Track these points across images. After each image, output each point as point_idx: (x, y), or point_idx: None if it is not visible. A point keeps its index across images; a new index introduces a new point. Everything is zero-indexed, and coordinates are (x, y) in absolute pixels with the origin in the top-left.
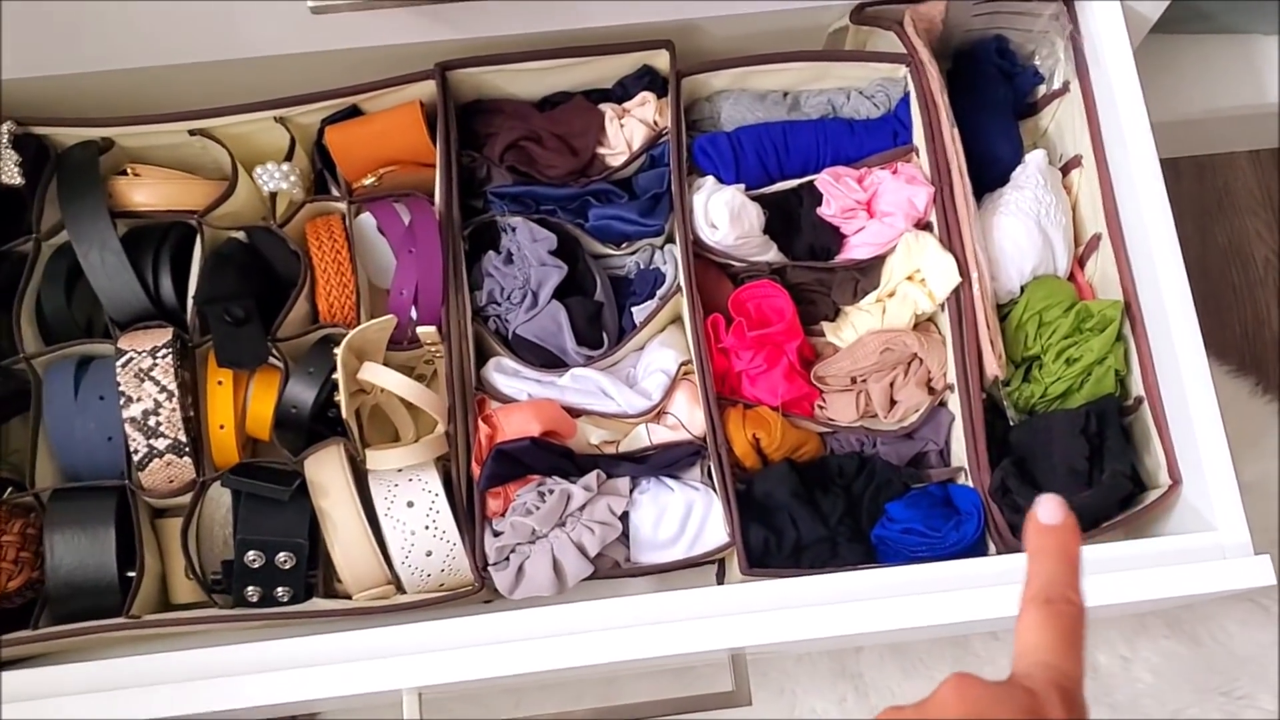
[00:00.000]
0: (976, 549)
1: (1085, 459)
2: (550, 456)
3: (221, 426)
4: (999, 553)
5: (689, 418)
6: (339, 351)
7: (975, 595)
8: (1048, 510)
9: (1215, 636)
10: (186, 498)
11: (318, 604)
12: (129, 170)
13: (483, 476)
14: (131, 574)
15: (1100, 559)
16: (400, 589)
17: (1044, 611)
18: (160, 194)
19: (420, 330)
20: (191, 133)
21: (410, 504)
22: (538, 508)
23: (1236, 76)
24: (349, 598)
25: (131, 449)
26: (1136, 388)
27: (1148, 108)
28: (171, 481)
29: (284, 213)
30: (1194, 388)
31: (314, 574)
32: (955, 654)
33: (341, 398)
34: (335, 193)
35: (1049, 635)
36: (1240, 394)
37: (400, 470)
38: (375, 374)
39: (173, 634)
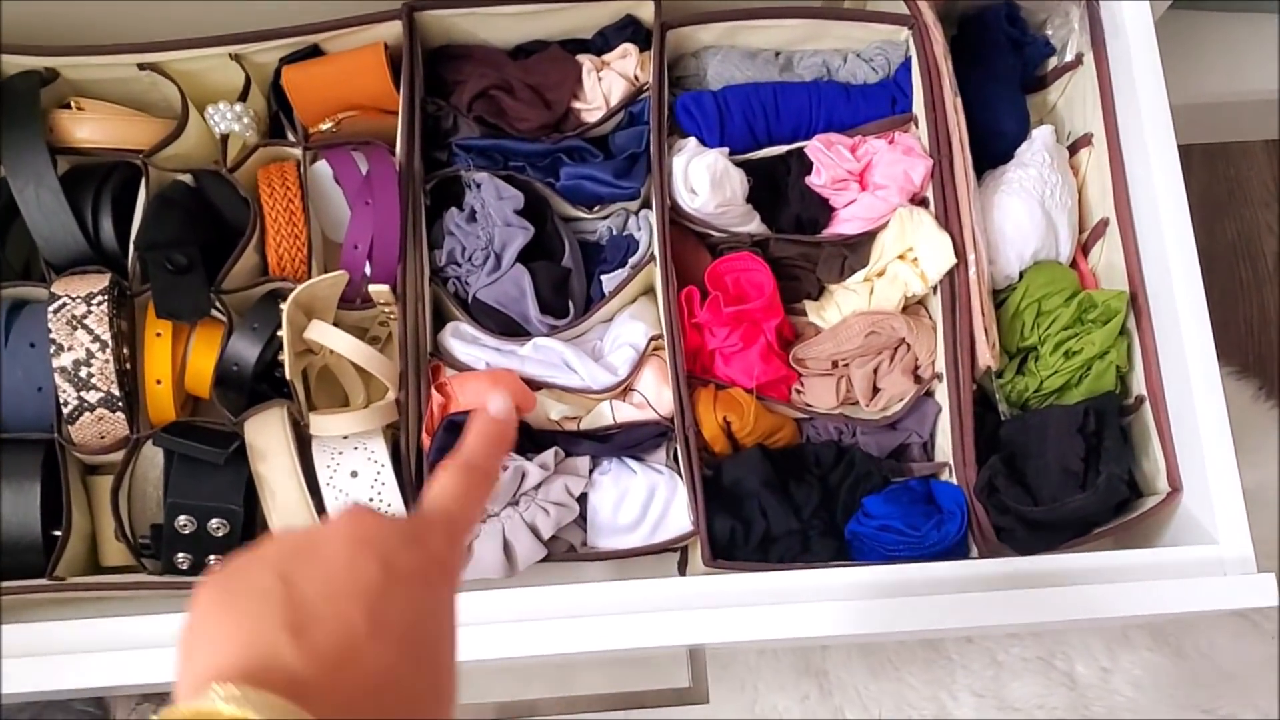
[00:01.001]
0: (957, 550)
1: (1081, 460)
2: None
3: (159, 381)
4: (981, 555)
5: (656, 396)
6: (285, 307)
7: (953, 600)
8: (497, 405)
9: (1201, 650)
10: (119, 455)
11: None
12: (73, 104)
13: (432, 448)
14: (57, 533)
15: (1090, 568)
16: None
17: (463, 472)
18: (105, 130)
19: (373, 289)
20: (141, 67)
21: (354, 474)
22: None
23: (1259, 60)
24: None
25: (61, 401)
26: (1138, 386)
27: (1167, 87)
28: (103, 437)
29: (235, 156)
30: (1201, 390)
31: (250, 542)
32: (927, 655)
33: (286, 357)
34: (291, 138)
35: (458, 489)
36: (1242, 397)
37: (346, 438)
38: (323, 334)
39: (99, 599)
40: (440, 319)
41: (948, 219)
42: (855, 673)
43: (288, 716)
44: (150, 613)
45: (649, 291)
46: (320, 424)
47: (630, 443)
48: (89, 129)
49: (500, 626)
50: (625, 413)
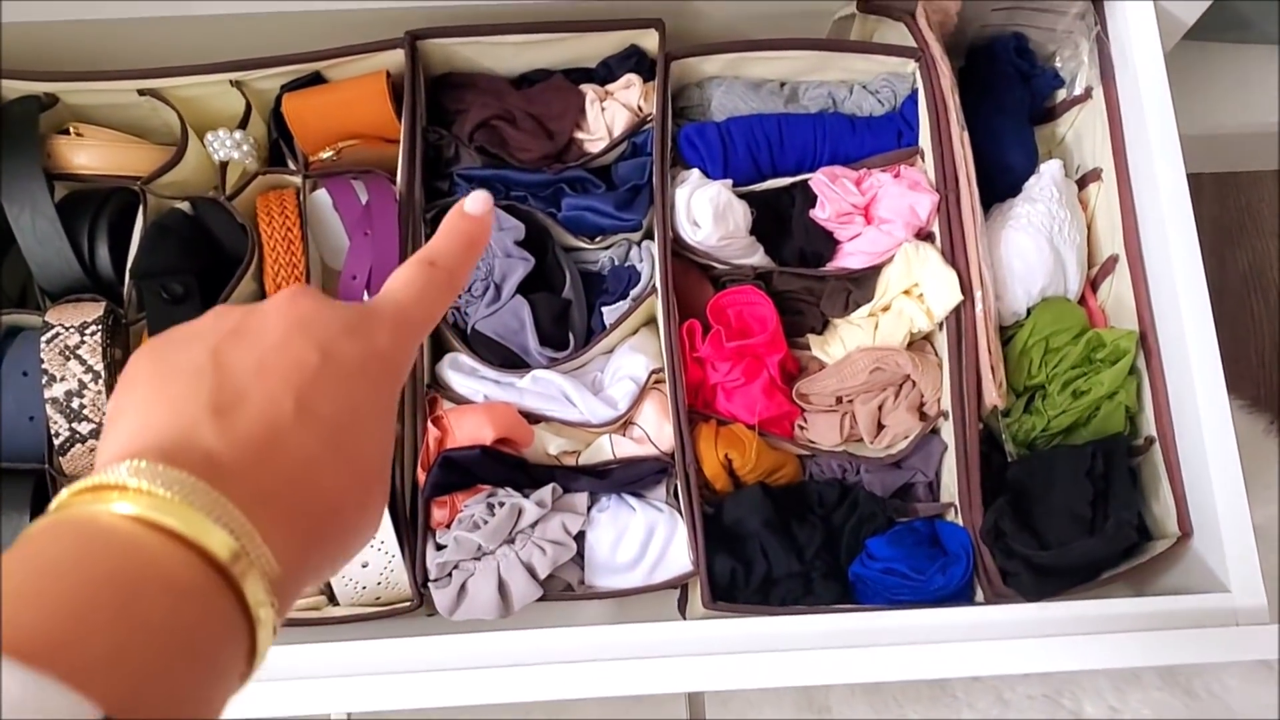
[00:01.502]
0: (963, 594)
1: (1089, 503)
2: (501, 468)
3: None
4: (987, 599)
5: (657, 431)
6: None
7: (959, 649)
8: (475, 204)
9: (1213, 691)
10: None
11: None
12: (71, 130)
13: (427, 484)
14: None
15: (1098, 616)
16: (332, 600)
17: (424, 268)
18: (103, 157)
19: None
20: (141, 93)
21: None
22: (485, 521)
23: (1271, 90)
24: None
25: (53, 432)
26: (1148, 427)
27: (1178, 120)
28: (95, 468)
29: (234, 184)
30: (1212, 432)
31: None
32: (931, 693)
33: None
34: (291, 165)
35: (416, 285)
36: (1253, 431)
37: None
38: None
39: None
40: (439, 350)
41: (954, 254)
42: (858, 709)
43: (196, 494)
44: None
45: (650, 323)
46: None
47: (629, 479)
48: (87, 155)
49: (495, 671)
50: (625, 447)
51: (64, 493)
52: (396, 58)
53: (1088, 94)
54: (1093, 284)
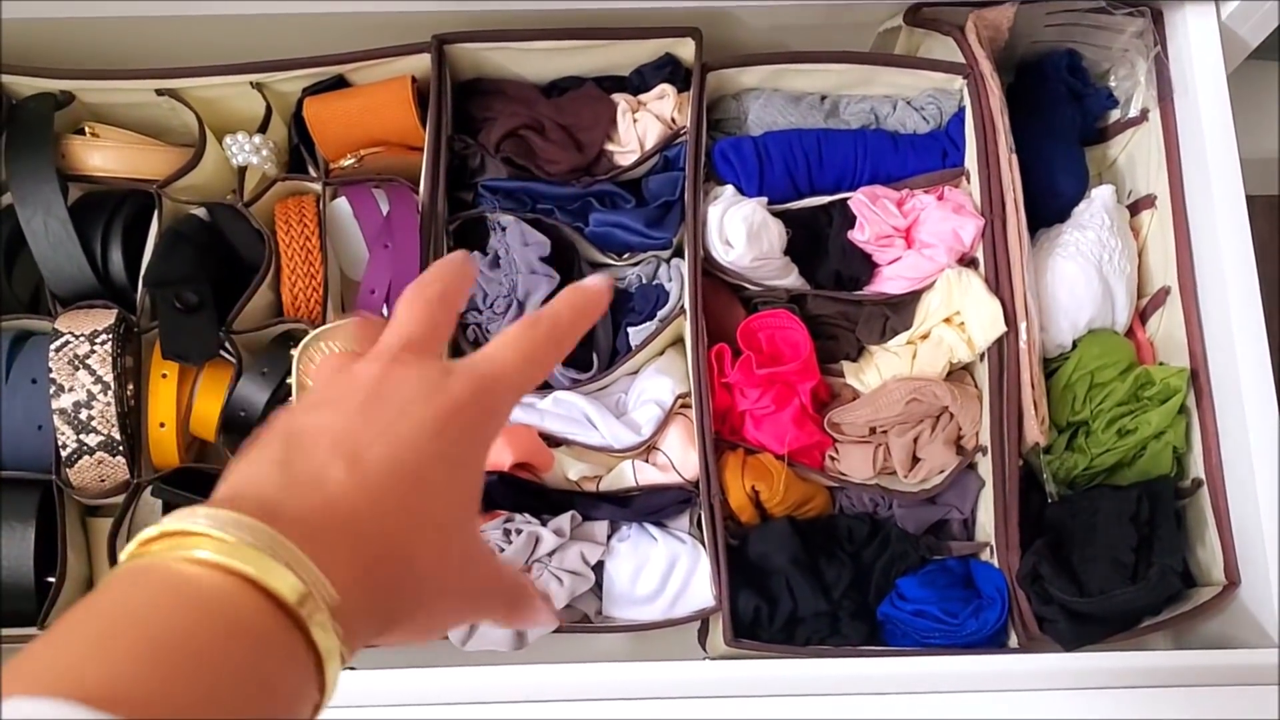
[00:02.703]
0: (995, 639)
1: (1132, 549)
2: (519, 494)
3: (162, 425)
4: (1021, 645)
5: (681, 459)
6: (296, 353)
7: (991, 699)
8: (594, 280)
9: None
10: (121, 497)
11: None
12: (87, 130)
13: None
14: (52, 579)
15: (1139, 669)
16: None
17: (528, 324)
18: (119, 159)
19: None
20: (160, 92)
21: None
22: (501, 550)
23: None
24: None
25: (60, 443)
26: (1195, 468)
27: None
28: (103, 481)
29: (253, 189)
30: (1265, 477)
31: None
32: None
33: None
34: (312, 172)
35: (514, 339)
36: None
37: None
38: None
39: None
40: None
41: (998, 283)
42: None
43: (259, 537)
44: None
45: (678, 344)
46: None
47: (652, 507)
48: (102, 157)
49: (508, 707)
50: (648, 474)
51: (135, 541)
52: (422, 62)
53: (1144, 116)
54: (1142, 316)
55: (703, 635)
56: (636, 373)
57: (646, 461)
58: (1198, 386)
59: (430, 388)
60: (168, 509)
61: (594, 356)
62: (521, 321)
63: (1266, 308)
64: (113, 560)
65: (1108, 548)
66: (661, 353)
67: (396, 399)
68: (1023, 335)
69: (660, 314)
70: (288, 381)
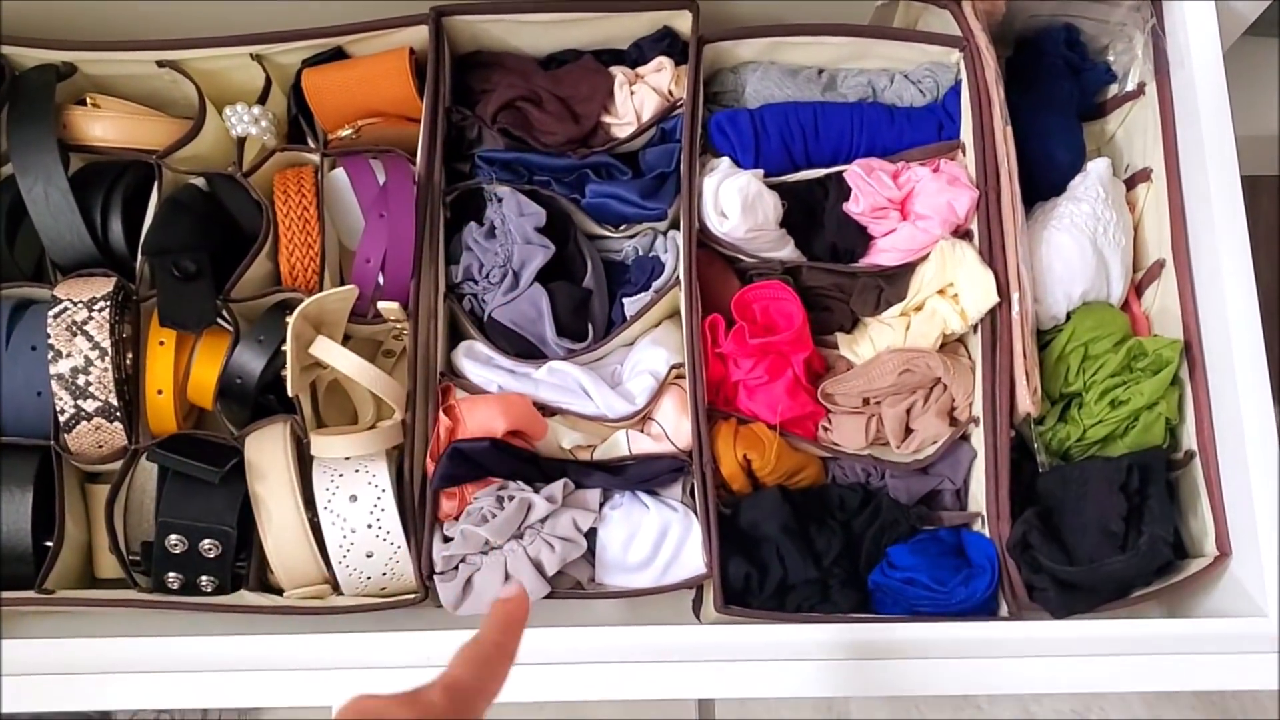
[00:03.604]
0: (986, 607)
1: (1122, 519)
2: (512, 461)
3: (159, 392)
4: (1011, 614)
5: (675, 428)
6: (291, 320)
7: (979, 665)
8: (509, 589)
9: (1247, 709)
10: (119, 464)
11: (245, 597)
12: (89, 100)
13: (436, 475)
14: (50, 544)
15: (1128, 637)
16: (337, 589)
17: (471, 645)
18: (119, 129)
19: (381, 305)
20: (160, 64)
21: (354, 498)
22: (493, 515)
23: None
24: (282, 592)
25: (58, 408)
26: (1188, 440)
27: (1235, 120)
28: (100, 447)
29: (253, 160)
30: (1256, 448)
31: (243, 564)
32: (955, 702)
33: (289, 373)
34: (310, 143)
35: (465, 657)
36: None
37: (348, 459)
38: (327, 351)
39: (90, 613)
40: (456, 337)
41: (992, 254)
42: (878, 715)
43: None
44: (146, 632)
45: (673, 316)
46: (321, 445)
47: (645, 476)
48: (103, 127)
49: None
50: (642, 444)
51: None
52: (421, 34)
53: (1140, 90)
54: (1137, 289)
55: (697, 604)
56: (632, 344)
57: (641, 431)
58: (1191, 359)
59: (406, 703)
60: (163, 475)
61: (590, 327)
62: (465, 643)
63: (1271, 288)
64: (110, 527)
65: (1098, 517)
66: (657, 324)
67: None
68: (1015, 306)
69: (655, 285)
70: (284, 348)
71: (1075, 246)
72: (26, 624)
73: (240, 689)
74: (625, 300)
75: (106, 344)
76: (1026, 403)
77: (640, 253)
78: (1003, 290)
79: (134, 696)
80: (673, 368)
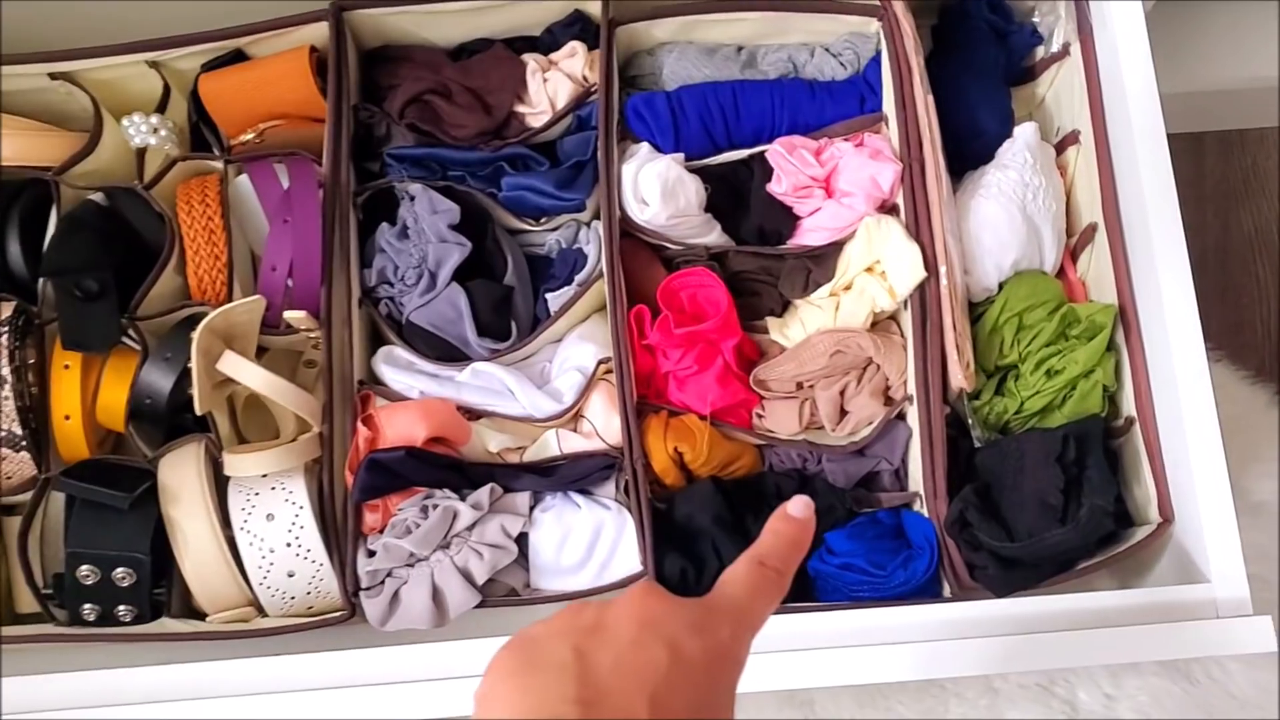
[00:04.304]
0: (928, 589)
1: (1060, 491)
2: (433, 469)
3: (67, 417)
4: (954, 595)
5: (605, 425)
6: (195, 335)
7: (917, 650)
8: (797, 507)
9: (1212, 675)
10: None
11: (166, 625)
12: None
13: (355, 489)
14: None
15: (1071, 610)
16: (262, 611)
17: (755, 567)
18: (13, 147)
19: (288, 315)
20: (53, 76)
21: (270, 517)
22: (418, 525)
23: (1270, 46)
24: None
25: None
26: (1128, 406)
27: (1158, 76)
28: (9, 478)
29: (156, 170)
30: (1193, 411)
31: (160, 591)
32: (918, 682)
33: (196, 389)
34: (216, 150)
35: (750, 584)
36: (1257, 403)
37: (264, 477)
38: (234, 367)
39: (14, 649)
40: (380, 343)
41: (918, 228)
42: (842, 703)
43: None
44: (68, 666)
45: (602, 308)
46: (234, 464)
47: (576, 475)
48: None
49: (431, 685)
50: (573, 443)
51: None
52: (324, 31)
53: (1065, 51)
54: (1072, 255)
55: None
56: (561, 340)
57: (572, 430)
58: (1126, 323)
59: (697, 627)
60: (70, 504)
61: (513, 325)
62: (748, 559)
63: (1214, 239)
64: (23, 559)
65: (1035, 491)
66: (585, 318)
67: (669, 635)
68: (943, 280)
69: (578, 279)
70: (188, 366)
71: (1004, 215)
72: None
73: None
74: (548, 296)
75: (6, 371)
76: (959, 378)
77: (563, 245)
78: (930, 264)
79: None
80: (601, 363)
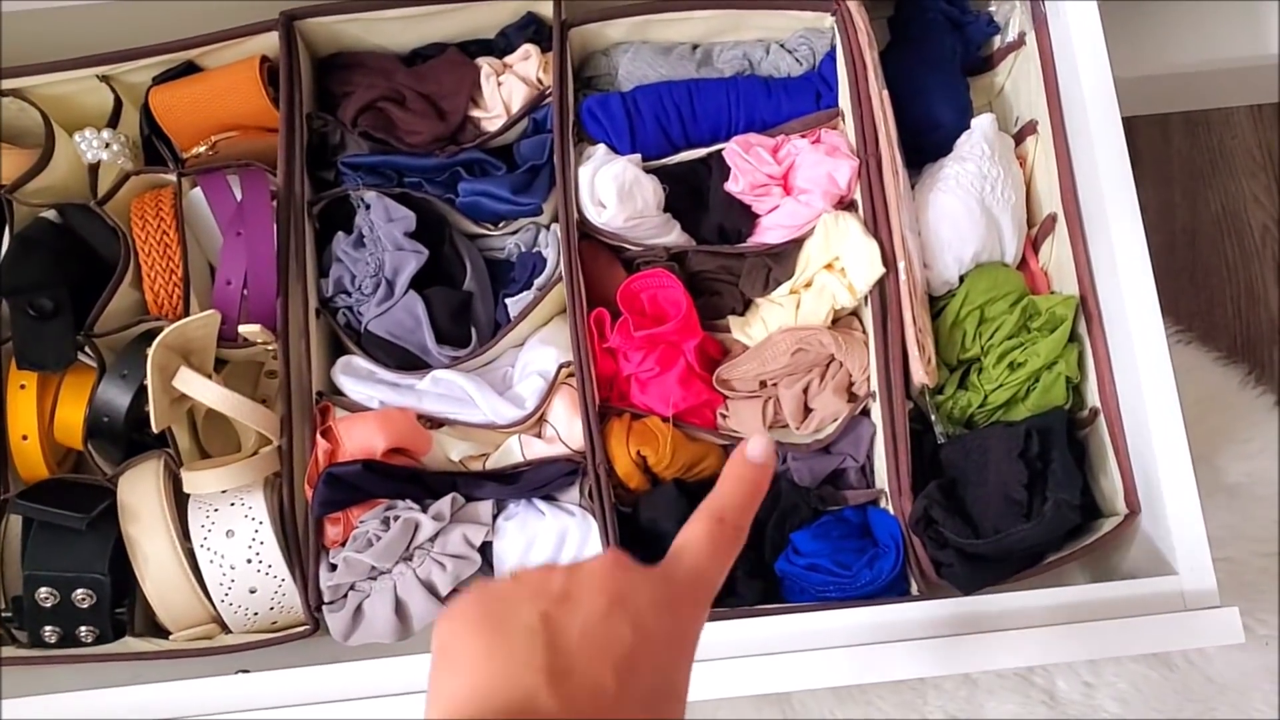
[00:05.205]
0: (895, 588)
1: (1024, 486)
2: (392, 481)
3: (25, 437)
4: (921, 593)
5: (568, 429)
6: (151, 351)
7: (884, 651)
8: (756, 448)
9: (1191, 660)
10: None
11: (130, 644)
12: None
13: (314, 503)
14: None
15: (1039, 607)
16: (226, 628)
17: (713, 524)
18: None
19: (243, 329)
20: (4, 93)
21: (230, 533)
22: (379, 538)
23: (1235, 26)
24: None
25: None
26: (1092, 397)
27: (1113, 63)
28: None
29: (108, 186)
30: (1155, 401)
31: (122, 611)
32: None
33: (152, 406)
34: (170, 164)
35: (707, 545)
36: (1230, 383)
37: (224, 493)
38: (189, 383)
39: None
40: (340, 352)
41: (876, 223)
42: (821, 700)
43: None
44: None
45: (563, 312)
46: (192, 481)
47: (539, 482)
48: None
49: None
50: (536, 448)
51: None
52: (275, 41)
53: (1021, 40)
54: (1034, 245)
55: None
56: (523, 345)
57: (535, 435)
58: (1087, 313)
59: (660, 604)
60: (27, 525)
61: (473, 332)
62: (705, 515)
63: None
64: None
65: (999, 486)
66: (546, 322)
67: (634, 611)
68: (902, 275)
69: (537, 283)
70: (145, 383)
71: (962, 208)
72: None
73: None
74: (508, 300)
75: None
76: (920, 373)
77: (523, 249)
78: (888, 260)
79: None
80: (563, 366)
